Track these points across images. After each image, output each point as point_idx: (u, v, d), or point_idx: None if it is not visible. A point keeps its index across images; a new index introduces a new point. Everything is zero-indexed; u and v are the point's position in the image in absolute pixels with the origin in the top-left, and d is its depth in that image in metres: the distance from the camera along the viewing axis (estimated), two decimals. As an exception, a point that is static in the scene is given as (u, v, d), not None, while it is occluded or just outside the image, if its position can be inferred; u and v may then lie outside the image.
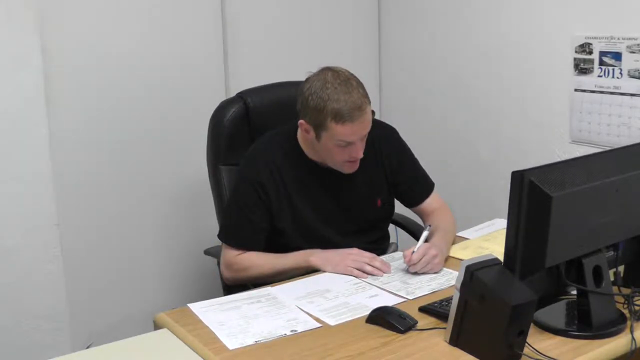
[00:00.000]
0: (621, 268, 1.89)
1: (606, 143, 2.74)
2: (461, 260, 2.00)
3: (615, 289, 1.81)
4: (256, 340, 1.70)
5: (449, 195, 2.69)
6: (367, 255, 2.12)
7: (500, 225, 2.42)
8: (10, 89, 2.46)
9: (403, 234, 2.70)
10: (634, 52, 2.64)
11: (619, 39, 2.67)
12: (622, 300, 1.80)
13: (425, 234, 2.14)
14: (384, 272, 2.08)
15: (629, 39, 2.65)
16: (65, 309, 2.66)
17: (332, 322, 1.80)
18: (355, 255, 2.11)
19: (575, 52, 2.80)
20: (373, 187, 2.31)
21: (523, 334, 1.57)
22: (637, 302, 1.80)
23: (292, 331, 1.75)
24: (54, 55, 2.65)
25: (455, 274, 1.98)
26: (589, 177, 1.71)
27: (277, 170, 2.20)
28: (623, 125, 2.71)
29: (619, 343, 1.68)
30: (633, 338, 1.68)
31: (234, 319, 1.81)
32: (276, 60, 3.23)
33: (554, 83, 2.93)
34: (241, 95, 2.51)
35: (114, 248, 2.94)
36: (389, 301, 1.90)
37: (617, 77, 2.69)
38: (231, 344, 1.68)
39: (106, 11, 2.81)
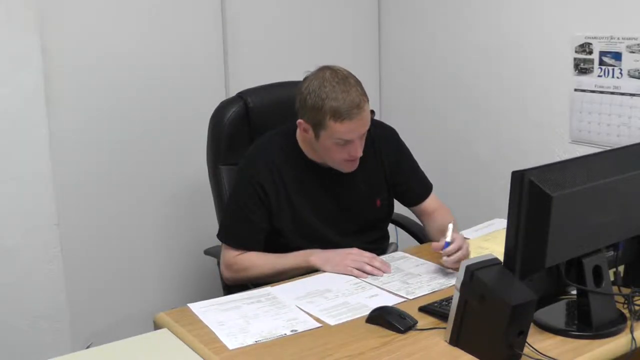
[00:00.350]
0: (621, 268, 1.89)
1: (606, 143, 2.74)
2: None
3: (615, 289, 1.81)
4: (256, 340, 1.70)
5: (449, 195, 2.69)
6: (367, 255, 2.12)
7: (500, 225, 2.42)
8: (10, 89, 2.46)
9: (403, 234, 2.70)
10: (634, 52, 2.64)
11: (619, 39, 2.67)
12: (622, 300, 1.80)
13: (450, 227, 2.12)
14: (384, 272, 2.08)
15: (629, 39, 2.65)
16: (65, 309, 2.66)
17: (332, 322, 1.80)
18: (355, 255, 2.11)
19: (575, 52, 2.80)
20: (373, 187, 2.31)
21: (523, 334, 1.57)
22: (637, 302, 1.80)
23: (292, 331, 1.75)
24: (54, 55, 2.65)
25: (455, 274, 1.98)
26: (589, 177, 1.71)
27: (277, 170, 2.20)
28: (623, 125, 2.71)
29: (619, 343, 1.68)
30: (633, 338, 1.68)
31: (234, 319, 1.81)
32: (276, 60, 3.23)
33: (554, 83, 2.93)
34: (241, 95, 2.51)
35: (114, 248, 2.94)
36: (389, 301, 1.90)
37: (617, 77, 2.69)
38: (231, 344, 1.68)
39: (106, 11, 2.81)
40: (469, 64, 3.25)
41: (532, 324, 1.65)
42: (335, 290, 1.98)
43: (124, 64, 2.87)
